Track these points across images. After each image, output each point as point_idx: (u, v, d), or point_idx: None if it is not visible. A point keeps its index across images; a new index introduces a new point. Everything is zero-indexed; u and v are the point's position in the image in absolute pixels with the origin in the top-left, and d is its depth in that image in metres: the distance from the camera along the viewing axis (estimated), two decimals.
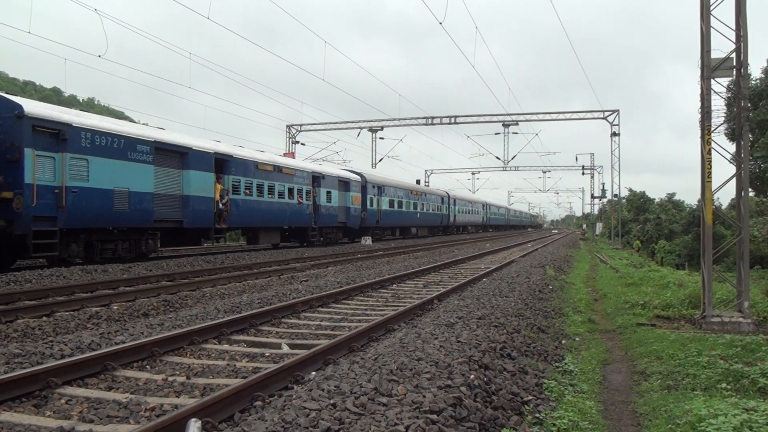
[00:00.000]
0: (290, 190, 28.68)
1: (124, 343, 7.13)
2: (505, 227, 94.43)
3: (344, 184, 35.19)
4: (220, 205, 23.33)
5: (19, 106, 15.53)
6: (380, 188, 40.34)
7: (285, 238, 31.22)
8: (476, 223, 72.97)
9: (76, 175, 16.79)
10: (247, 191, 25.31)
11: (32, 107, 16.08)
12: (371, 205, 38.56)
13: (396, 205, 43.26)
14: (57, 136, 16.31)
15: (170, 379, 6.06)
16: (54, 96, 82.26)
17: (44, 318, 9.78)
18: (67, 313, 10.14)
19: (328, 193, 32.85)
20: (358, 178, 37.42)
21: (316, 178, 31.52)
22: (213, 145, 23.96)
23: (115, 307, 10.87)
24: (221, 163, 23.59)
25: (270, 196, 27.00)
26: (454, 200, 60.52)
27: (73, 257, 17.38)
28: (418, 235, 50.20)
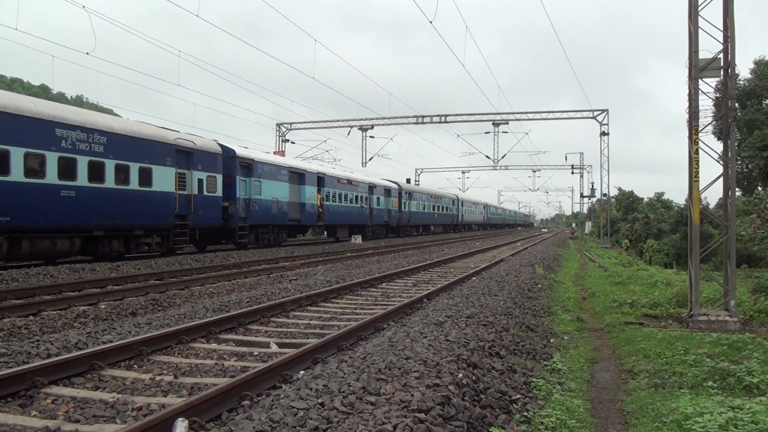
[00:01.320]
0: (355, 197, 38.88)
1: (111, 342, 7.10)
2: (502, 225, 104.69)
3: (387, 191, 45.03)
4: (319, 209, 33.37)
5: (233, 151, 25.27)
6: (410, 194, 50.18)
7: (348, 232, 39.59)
8: (479, 222, 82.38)
9: (256, 191, 26.56)
10: (333, 199, 35.45)
11: (239, 151, 25.83)
12: (404, 208, 48.34)
13: (422, 208, 53.36)
14: (248, 168, 26.19)
15: (158, 378, 6.03)
16: (42, 93, 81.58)
17: (31, 317, 9.70)
18: (54, 312, 10.07)
19: (378, 198, 42.92)
20: (396, 186, 47.09)
21: (371, 188, 41.60)
22: (317, 167, 35.07)
23: (103, 306, 10.80)
24: (320, 180, 33.65)
25: (345, 202, 37.29)
26: (462, 202, 70.16)
27: (251, 243, 26.85)
28: (435, 231, 58.92)
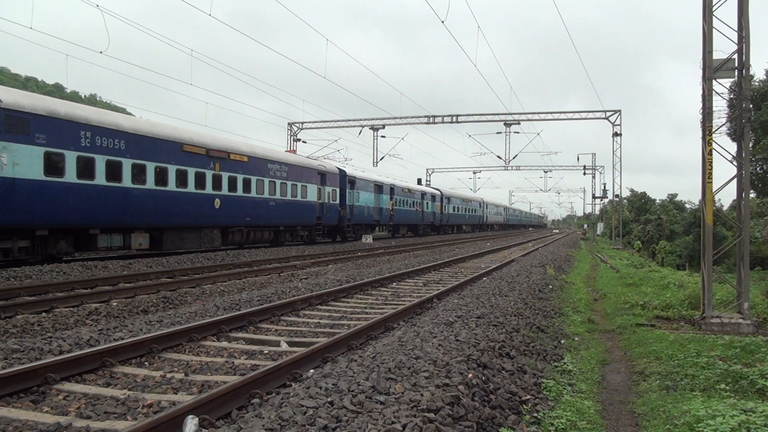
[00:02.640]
0: (413, 202, 49.19)
1: (122, 339, 7.14)
2: (518, 225, 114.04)
3: (432, 197, 55.01)
4: (391, 212, 43.41)
5: (345, 171, 35.87)
6: (449, 199, 60.01)
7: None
8: (500, 222, 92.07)
9: (356, 200, 37.07)
10: (399, 204, 45.45)
11: (348, 171, 36.50)
12: (444, 210, 58.03)
13: (456, 210, 63.43)
14: (352, 183, 36.40)
15: (168, 375, 6.06)
16: (56, 92, 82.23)
17: (43, 314, 9.79)
18: (67, 309, 10.15)
19: (427, 203, 52.68)
20: (438, 193, 57.12)
21: (422, 194, 51.86)
22: (390, 180, 45.49)
23: (115, 304, 10.88)
24: (392, 189, 43.94)
25: (407, 206, 47.35)
26: (486, 205, 79.77)
27: (351, 237, 36.83)
28: (465, 230, 68.31)
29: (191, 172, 22.03)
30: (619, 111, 47.55)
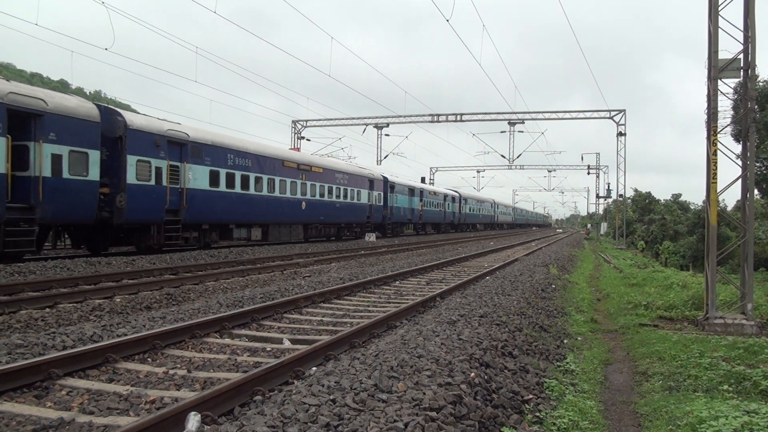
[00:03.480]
0: (437, 203, 55.93)
1: (126, 335, 7.15)
2: (524, 225, 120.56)
3: (453, 198, 61.61)
4: (420, 212, 49.78)
5: (387, 178, 42.31)
6: (466, 200, 66.96)
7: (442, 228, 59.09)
8: (508, 221, 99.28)
9: (394, 201, 43.71)
10: (427, 206, 52.44)
11: (390, 177, 42.74)
12: (462, 210, 64.82)
13: (472, 210, 70.54)
14: (392, 187, 42.97)
15: (171, 372, 6.07)
16: (61, 88, 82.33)
17: (47, 309, 9.82)
18: (70, 305, 10.17)
19: (448, 204, 59.76)
20: (458, 195, 63.96)
21: (445, 196, 58.98)
22: (420, 184, 54.45)
23: (118, 300, 10.90)
24: (421, 192, 50.98)
25: (433, 207, 54.41)
26: (497, 205, 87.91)
27: (390, 234, 44.05)
28: (479, 228, 75.65)
29: (288, 182, 28.83)
30: (624, 111, 47.49)
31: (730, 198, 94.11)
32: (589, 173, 70.24)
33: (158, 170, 20.07)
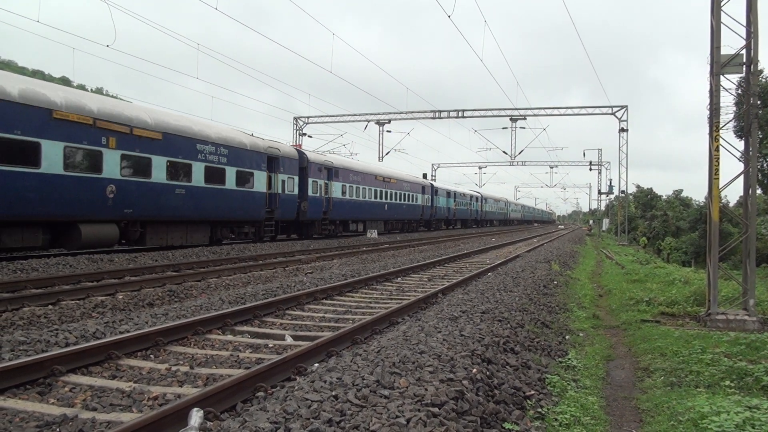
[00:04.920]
0: (465, 203, 65.93)
1: (128, 332, 7.16)
2: (531, 221, 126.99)
3: (476, 198, 71.67)
4: (454, 210, 59.36)
5: (433, 183, 54.47)
6: (486, 199, 76.56)
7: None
8: (518, 218, 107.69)
9: (437, 202, 54.14)
10: (458, 204, 62.44)
11: (435, 183, 55.92)
12: (483, 208, 74.50)
13: (490, 208, 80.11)
14: (436, 191, 53.84)
15: (174, 368, 6.09)
16: (63, 85, 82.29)
17: (50, 306, 9.84)
18: (73, 302, 10.20)
19: (473, 203, 69.73)
20: (479, 195, 73.57)
21: (472, 197, 69.53)
22: (454, 187, 65.00)
23: (121, 297, 10.92)
24: (455, 194, 61.16)
25: (461, 206, 63.92)
26: (509, 203, 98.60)
27: (433, 228, 55.31)
28: (493, 224, 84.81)
29: (378, 191, 39.97)
30: (626, 107, 47.43)
31: (733, 194, 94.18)
32: (591, 169, 70.20)
33: (320, 186, 31.33)
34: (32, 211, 15.49)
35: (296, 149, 30.39)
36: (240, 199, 23.87)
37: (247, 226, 25.48)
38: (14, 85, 15.07)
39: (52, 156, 15.79)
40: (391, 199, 42.04)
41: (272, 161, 26.61)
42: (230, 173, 23.14)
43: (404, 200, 45.17)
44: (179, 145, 20.40)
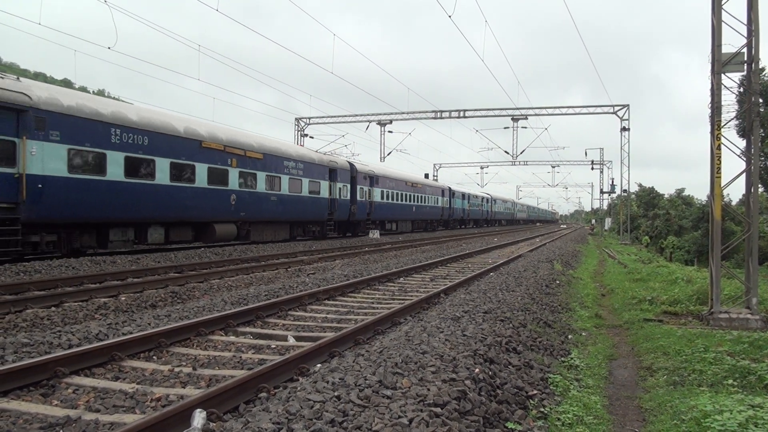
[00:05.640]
0: (477, 204, 71.74)
1: (131, 333, 7.17)
2: (535, 221, 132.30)
3: (487, 200, 77.30)
4: (468, 211, 66.86)
5: (451, 187, 60.96)
6: (495, 200, 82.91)
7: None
8: (523, 218, 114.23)
9: (454, 203, 60.20)
10: (471, 205, 68.88)
11: (454, 187, 63.35)
12: (492, 209, 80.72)
13: (498, 208, 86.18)
14: (453, 193, 60.65)
15: (176, 369, 6.10)
16: (65, 87, 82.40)
17: (53, 308, 9.85)
18: (76, 304, 10.21)
19: (484, 204, 75.69)
20: (490, 196, 79.42)
21: (483, 198, 75.03)
22: (468, 191, 69.82)
23: (123, 298, 10.94)
24: (469, 196, 67.99)
25: (474, 207, 70.24)
26: (516, 204, 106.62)
27: (451, 227, 62.60)
28: (501, 223, 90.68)
29: (408, 195, 45.76)
30: (627, 105, 47.39)
31: (735, 192, 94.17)
32: (593, 169, 70.15)
33: (365, 192, 37.19)
34: (188, 215, 21.38)
35: (348, 161, 36.12)
36: (311, 203, 30.26)
37: (314, 226, 32.15)
38: (181, 124, 21.17)
39: (201, 174, 21.69)
40: (417, 201, 48.15)
41: (332, 172, 32.48)
42: (305, 183, 29.52)
43: (428, 203, 51.44)
44: (273, 162, 26.50)
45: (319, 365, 6.16)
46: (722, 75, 10.78)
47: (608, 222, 71.50)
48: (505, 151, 53.72)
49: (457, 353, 5.77)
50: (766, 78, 30.05)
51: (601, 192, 70.18)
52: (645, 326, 10.22)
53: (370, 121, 49.50)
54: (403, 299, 11.02)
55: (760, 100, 12.33)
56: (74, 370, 5.80)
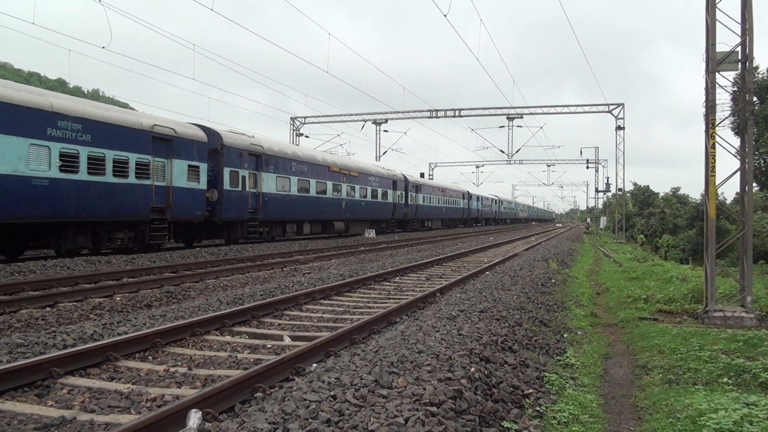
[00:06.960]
0: (488, 205, 79.32)
1: (126, 333, 7.16)
2: (534, 219, 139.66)
3: (495, 201, 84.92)
4: (481, 211, 77.00)
5: (468, 191, 70.90)
6: (501, 201, 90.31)
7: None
8: (524, 217, 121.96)
9: (471, 205, 69.96)
10: (483, 207, 77.88)
11: (473, 190, 76.32)
12: (499, 209, 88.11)
13: (504, 208, 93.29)
14: (470, 196, 70.41)
15: (172, 369, 6.08)
16: (59, 87, 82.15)
17: (47, 308, 9.82)
18: (71, 304, 10.18)
19: (493, 204, 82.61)
20: (497, 198, 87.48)
21: (491, 199, 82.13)
22: (481, 193, 78.75)
23: (118, 298, 10.91)
24: (478, 197, 74.22)
25: (485, 207, 78.18)
26: (518, 204, 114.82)
27: (472, 225, 73.19)
28: (506, 222, 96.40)
29: (442, 198, 55.23)
30: (622, 104, 47.50)
31: (729, 191, 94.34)
32: (588, 167, 70.32)
33: (412, 197, 47.35)
34: (322, 216, 31.96)
35: (403, 174, 45.52)
36: (382, 207, 41.09)
37: (382, 223, 42.30)
38: (319, 156, 32.78)
39: (330, 189, 32.59)
40: (446, 204, 58.22)
41: (393, 183, 42.60)
42: (379, 192, 40.17)
43: (454, 204, 61.37)
44: (363, 178, 37.29)
45: (314, 365, 6.15)
46: (717, 74, 10.81)
47: (603, 221, 71.69)
48: (501, 150, 53.85)
49: (452, 352, 5.77)
50: (760, 76, 30.15)
51: (596, 191, 70.35)
52: (640, 325, 10.25)
53: (365, 121, 49.52)
54: (398, 298, 11.02)
55: (755, 99, 12.36)
56: (69, 371, 5.78)
